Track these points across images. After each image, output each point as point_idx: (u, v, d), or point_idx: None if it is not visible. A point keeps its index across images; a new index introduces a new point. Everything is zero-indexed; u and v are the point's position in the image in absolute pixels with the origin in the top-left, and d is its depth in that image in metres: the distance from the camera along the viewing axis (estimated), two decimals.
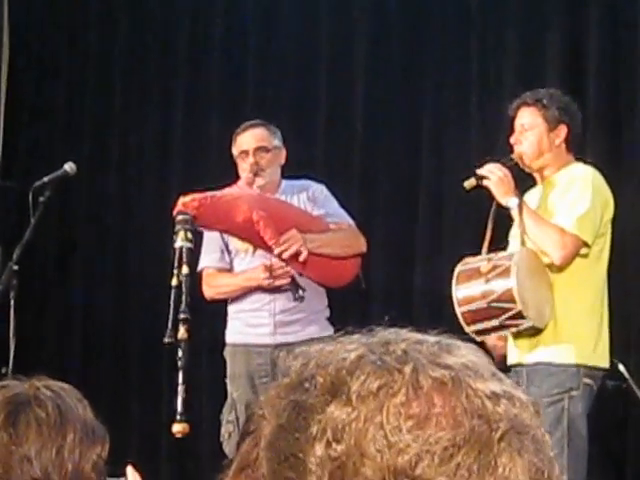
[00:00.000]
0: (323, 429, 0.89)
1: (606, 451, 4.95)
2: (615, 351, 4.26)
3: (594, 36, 5.40)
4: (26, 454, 1.55)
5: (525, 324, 3.96)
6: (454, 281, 4.02)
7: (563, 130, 4.14)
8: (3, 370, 4.33)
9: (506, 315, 3.92)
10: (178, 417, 4.04)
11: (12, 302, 4.35)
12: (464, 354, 0.94)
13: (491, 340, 4.14)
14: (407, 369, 0.89)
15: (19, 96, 6.69)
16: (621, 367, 4.48)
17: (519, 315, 3.92)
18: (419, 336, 0.95)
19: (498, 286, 3.93)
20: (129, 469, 1.75)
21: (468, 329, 3.95)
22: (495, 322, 3.95)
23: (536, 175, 4.23)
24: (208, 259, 4.69)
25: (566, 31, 5.49)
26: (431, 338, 0.95)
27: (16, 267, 4.38)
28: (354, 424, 0.88)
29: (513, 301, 3.89)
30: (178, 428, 4.04)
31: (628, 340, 5.05)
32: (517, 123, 4.19)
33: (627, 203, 4.98)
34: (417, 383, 0.89)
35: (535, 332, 4.01)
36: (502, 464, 0.88)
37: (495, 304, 3.92)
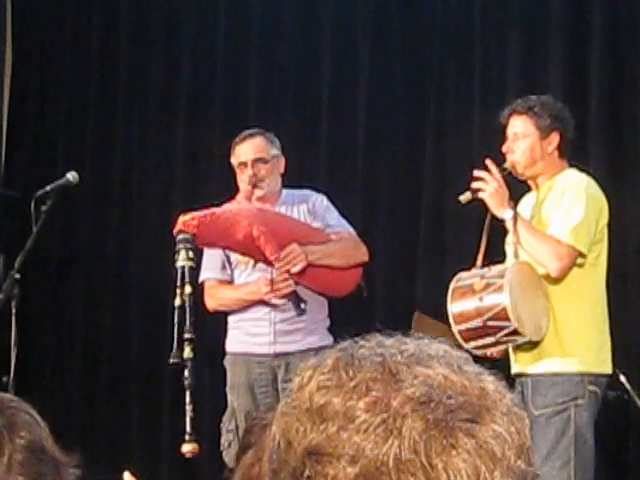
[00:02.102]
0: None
1: (608, 462, 4.94)
2: (616, 362, 4.25)
3: (596, 42, 5.41)
4: None
5: (521, 340, 3.96)
6: (449, 298, 4.01)
7: (555, 137, 4.12)
8: (4, 379, 4.33)
9: (502, 333, 3.92)
10: (187, 437, 4.02)
11: (13, 310, 4.35)
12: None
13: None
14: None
15: (22, 105, 6.70)
16: (622, 378, 4.48)
17: (515, 332, 3.91)
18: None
19: (492, 304, 3.92)
20: (126, 474, 1.74)
21: (466, 346, 3.94)
22: (492, 339, 3.94)
23: (530, 182, 4.23)
24: (210, 270, 4.69)
25: (568, 37, 5.49)
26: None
27: (18, 275, 4.38)
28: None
29: (508, 319, 3.88)
30: (188, 448, 4.03)
31: (629, 351, 5.04)
32: (509, 131, 4.18)
33: (628, 211, 4.99)
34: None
35: (535, 343, 4.01)
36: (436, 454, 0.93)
37: (490, 322, 3.92)
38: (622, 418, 4.93)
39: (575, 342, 4.00)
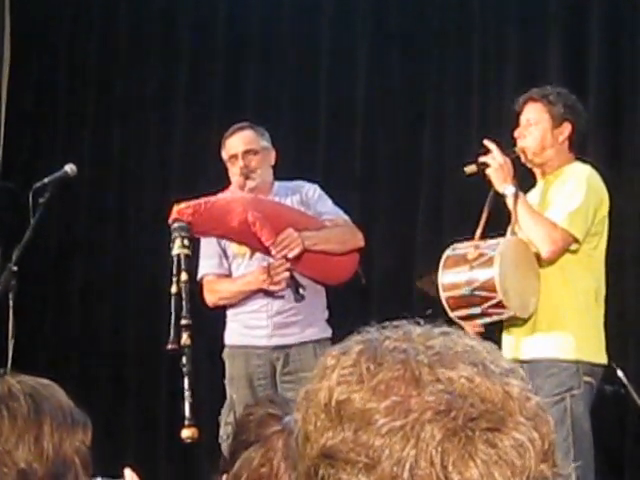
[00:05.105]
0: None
1: (605, 457, 4.94)
2: (613, 357, 4.26)
3: (595, 37, 5.41)
4: (4, 448, 1.56)
5: (506, 314, 4.00)
6: (441, 265, 4.07)
7: (567, 128, 4.17)
8: (1, 371, 4.32)
9: (487, 304, 3.97)
10: (187, 422, 4.04)
11: (11, 303, 4.35)
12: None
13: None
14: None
15: (20, 97, 6.69)
16: (620, 373, 4.48)
17: (500, 305, 3.95)
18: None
19: (481, 275, 3.98)
20: (127, 471, 1.75)
21: (452, 314, 4.00)
22: (477, 310, 3.99)
23: (536, 171, 4.26)
24: (207, 266, 4.69)
25: (567, 31, 5.50)
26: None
27: (15, 268, 4.38)
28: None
29: (494, 290, 3.93)
30: (187, 433, 4.04)
31: (626, 345, 5.05)
32: (523, 118, 4.24)
33: (626, 203, 4.99)
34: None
35: (527, 324, 4.05)
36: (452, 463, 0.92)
37: (477, 292, 3.97)
38: (619, 412, 4.93)
39: (569, 328, 4.03)
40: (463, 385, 0.95)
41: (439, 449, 0.92)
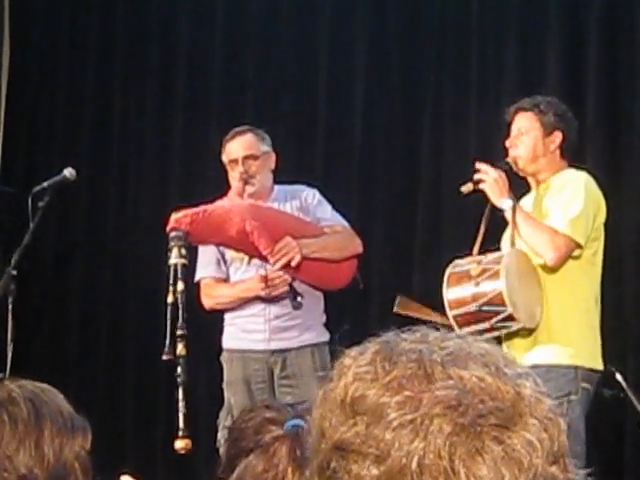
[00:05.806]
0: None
1: (604, 460, 4.95)
2: (612, 360, 4.26)
3: (593, 43, 5.42)
4: (5, 453, 1.56)
5: (515, 326, 4.01)
6: (444, 284, 4.07)
7: (558, 136, 4.20)
8: (0, 376, 4.33)
9: (497, 318, 3.96)
10: (180, 433, 4.03)
11: (10, 307, 4.36)
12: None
13: None
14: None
15: (19, 101, 6.69)
16: (618, 376, 4.48)
17: (510, 318, 3.96)
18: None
19: (488, 289, 3.97)
20: (125, 478, 1.75)
21: (460, 332, 3.97)
22: (486, 325, 3.99)
23: (530, 180, 4.28)
24: (205, 269, 4.69)
25: (565, 37, 5.50)
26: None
27: (14, 272, 4.39)
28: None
29: (503, 304, 3.94)
30: (181, 444, 4.04)
31: (625, 349, 5.05)
32: (514, 127, 4.26)
33: (624, 210, 5.00)
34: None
35: (528, 333, 4.06)
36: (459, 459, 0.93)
37: (486, 307, 3.97)
38: (618, 416, 4.93)
39: (568, 335, 4.04)
40: (474, 383, 0.96)
41: (447, 443, 0.93)
